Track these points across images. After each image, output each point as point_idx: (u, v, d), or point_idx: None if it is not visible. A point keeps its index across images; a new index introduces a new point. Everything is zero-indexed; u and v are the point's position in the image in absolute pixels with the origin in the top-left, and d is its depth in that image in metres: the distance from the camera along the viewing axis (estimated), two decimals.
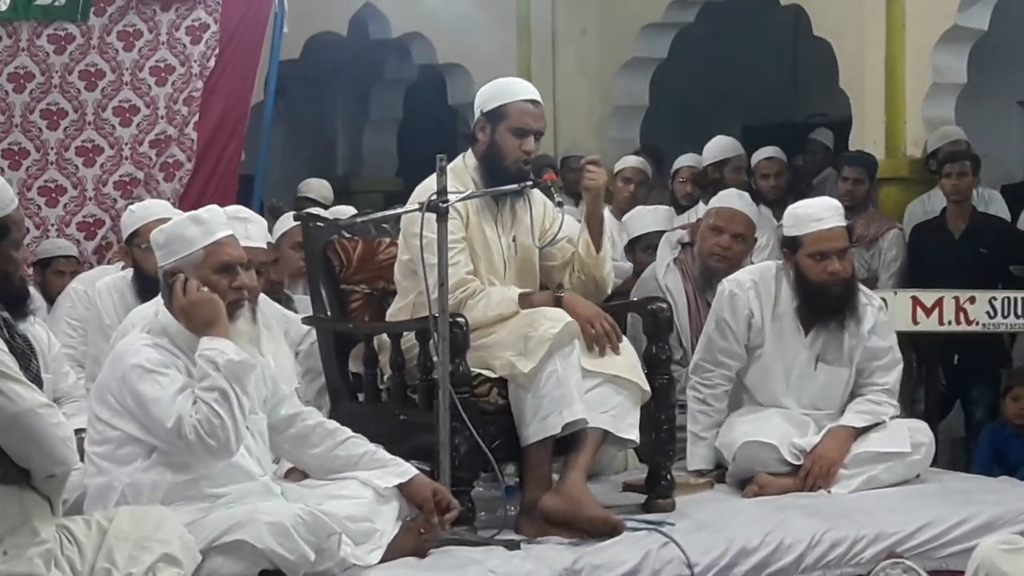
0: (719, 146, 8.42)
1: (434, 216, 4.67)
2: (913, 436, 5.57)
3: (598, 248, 5.26)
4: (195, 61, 7.77)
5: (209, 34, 7.81)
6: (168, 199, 7.24)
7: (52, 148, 7.64)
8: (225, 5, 7.85)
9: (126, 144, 7.72)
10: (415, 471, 4.50)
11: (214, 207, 4.53)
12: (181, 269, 4.28)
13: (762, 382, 5.69)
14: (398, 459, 4.54)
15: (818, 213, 5.59)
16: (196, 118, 7.81)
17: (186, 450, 4.10)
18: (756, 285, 5.68)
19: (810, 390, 5.67)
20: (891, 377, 5.68)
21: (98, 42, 7.66)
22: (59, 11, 7.54)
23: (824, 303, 5.57)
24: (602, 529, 4.72)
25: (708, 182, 8.20)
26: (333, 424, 4.60)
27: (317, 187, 9.10)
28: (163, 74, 7.76)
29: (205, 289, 4.25)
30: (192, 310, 4.23)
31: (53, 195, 7.66)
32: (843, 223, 5.61)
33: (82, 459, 4.22)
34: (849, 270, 5.61)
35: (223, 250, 4.33)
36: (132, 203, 7.44)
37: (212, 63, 7.81)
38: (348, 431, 4.58)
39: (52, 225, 7.62)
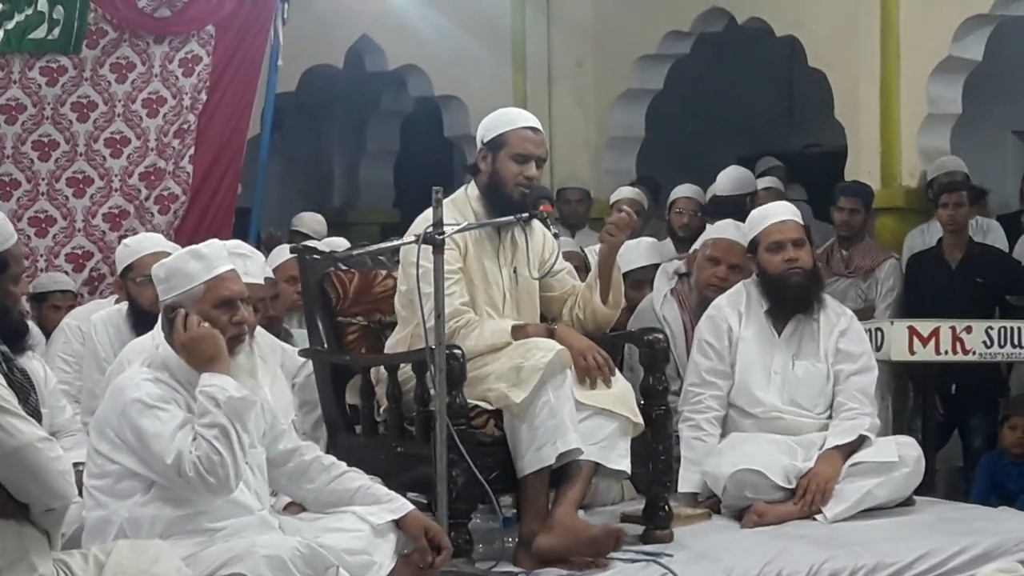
0: (744, 176, 8.40)
1: (431, 248, 4.68)
2: (900, 449, 5.63)
3: (605, 300, 5.28)
4: (187, 94, 7.79)
5: (201, 67, 7.82)
6: (163, 232, 7.24)
7: (43, 179, 7.63)
8: (219, 38, 7.86)
9: (116, 176, 7.72)
10: (409, 507, 4.48)
11: (215, 241, 4.53)
12: (181, 304, 4.28)
13: (743, 385, 5.79)
14: (393, 494, 4.52)
15: (770, 210, 5.96)
16: (191, 151, 7.81)
17: (185, 487, 4.09)
18: (731, 302, 5.90)
19: (790, 387, 5.78)
20: (865, 381, 5.78)
21: (91, 74, 7.66)
22: (52, 44, 7.54)
23: (787, 295, 5.77)
24: (606, 543, 4.74)
25: (746, 211, 8.13)
26: (329, 459, 4.58)
27: (310, 221, 9.09)
28: (155, 106, 7.76)
29: (206, 324, 4.25)
30: (193, 346, 4.23)
31: (43, 226, 7.65)
32: (798, 220, 5.86)
33: (80, 493, 4.22)
34: (809, 262, 5.81)
35: (224, 285, 4.32)
36: (121, 236, 7.49)
37: (204, 96, 7.81)
38: (344, 465, 4.57)
39: (41, 256, 7.60)
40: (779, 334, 5.81)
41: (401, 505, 4.46)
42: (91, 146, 7.69)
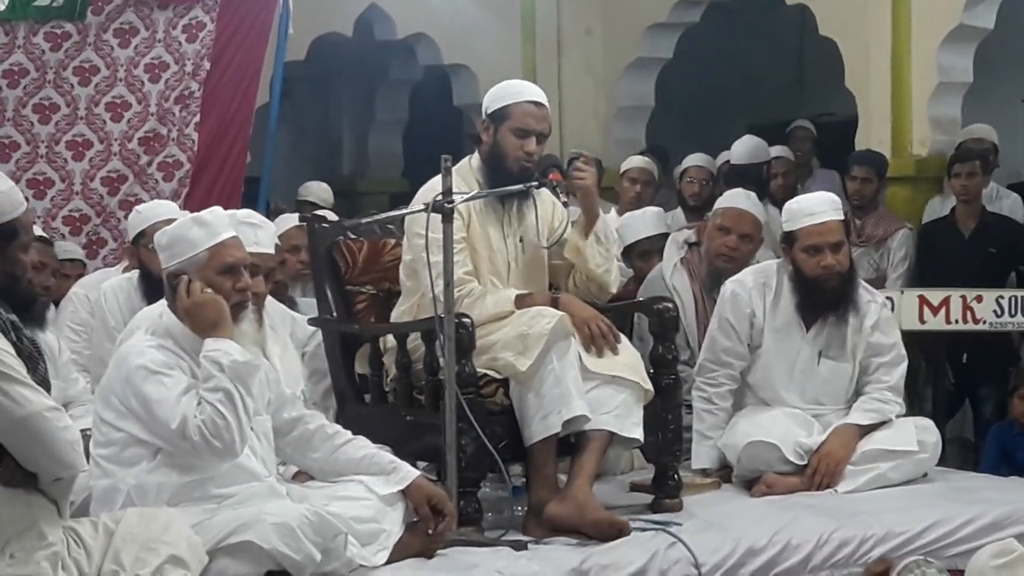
0: (759, 145, 8.39)
1: (439, 217, 4.67)
2: (920, 434, 5.57)
3: (585, 236, 5.22)
4: (189, 59, 7.76)
5: (205, 33, 7.79)
6: (167, 199, 7.22)
7: (43, 141, 7.63)
8: (223, 5, 7.84)
9: (115, 140, 7.71)
10: (413, 475, 4.47)
11: (217, 208, 4.52)
12: (185, 271, 4.28)
13: (765, 379, 5.71)
14: (397, 462, 4.51)
15: (811, 207, 5.64)
16: (196, 118, 7.79)
17: (191, 451, 4.09)
18: (758, 284, 5.73)
19: (813, 385, 5.69)
20: (895, 374, 5.68)
21: (94, 39, 7.64)
22: (57, 11, 7.52)
23: (820, 297, 5.60)
24: (608, 532, 4.71)
25: (764, 179, 8.14)
26: (334, 427, 4.59)
27: (317, 190, 9.09)
28: (157, 71, 7.74)
29: (209, 290, 4.25)
30: (196, 311, 4.22)
31: (41, 187, 7.63)
32: (838, 217, 5.62)
33: (88, 460, 4.22)
34: (845, 264, 5.61)
35: (227, 251, 4.32)
36: (122, 201, 7.51)
37: (206, 63, 7.79)
38: (348, 434, 4.57)
39: (39, 218, 7.57)
40: (807, 329, 5.66)
41: (405, 474, 4.46)
42: (92, 110, 7.67)
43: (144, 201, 6.98)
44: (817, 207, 5.63)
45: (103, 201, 7.68)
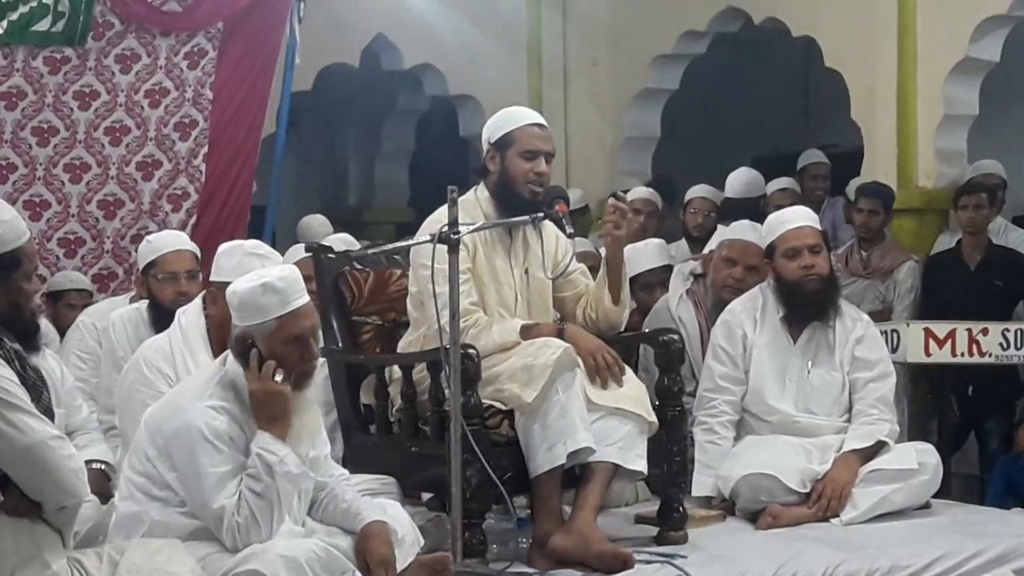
0: (754, 178, 8.42)
1: (444, 247, 4.66)
2: (920, 456, 5.61)
3: (615, 299, 5.26)
4: (190, 86, 7.77)
5: (206, 60, 7.81)
6: (175, 229, 7.22)
7: (41, 164, 7.61)
8: (227, 34, 7.84)
9: (113, 164, 7.71)
10: (365, 522, 4.27)
11: (291, 270, 4.33)
12: (252, 336, 4.19)
13: (758, 395, 5.76)
14: (363, 512, 4.30)
15: (787, 216, 5.92)
16: (205, 149, 7.82)
17: (217, 532, 4.08)
18: (746, 307, 5.87)
19: (805, 395, 5.77)
20: (884, 388, 5.75)
21: (94, 64, 7.64)
22: (56, 36, 7.51)
23: (803, 302, 5.74)
24: (612, 565, 4.70)
25: (761, 213, 8.12)
26: (331, 494, 4.40)
27: (317, 227, 8.93)
28: (157, 97, 7.74)
29: (279, 378, 4.15)
30: (263, 399, 4.15)
31: (37, 209, 7.61)
32: (815, 226, 5.83)
33: (96, 490, 4.20)
34: (825, 268, 5.77)
35: (296, 322, 4.19)
36: (119, 228, 7.48)
37: (207, 90, 7.80)
38: (343, 491, 4.40)
39: (34, 239, 7.55)
40: (794, 341, 5.78)
41: (360, 521, 4.30)
42: (91, 134, 7.68)
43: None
44: (792, 215, 5.91)
45: (99, 224, 7.70)
